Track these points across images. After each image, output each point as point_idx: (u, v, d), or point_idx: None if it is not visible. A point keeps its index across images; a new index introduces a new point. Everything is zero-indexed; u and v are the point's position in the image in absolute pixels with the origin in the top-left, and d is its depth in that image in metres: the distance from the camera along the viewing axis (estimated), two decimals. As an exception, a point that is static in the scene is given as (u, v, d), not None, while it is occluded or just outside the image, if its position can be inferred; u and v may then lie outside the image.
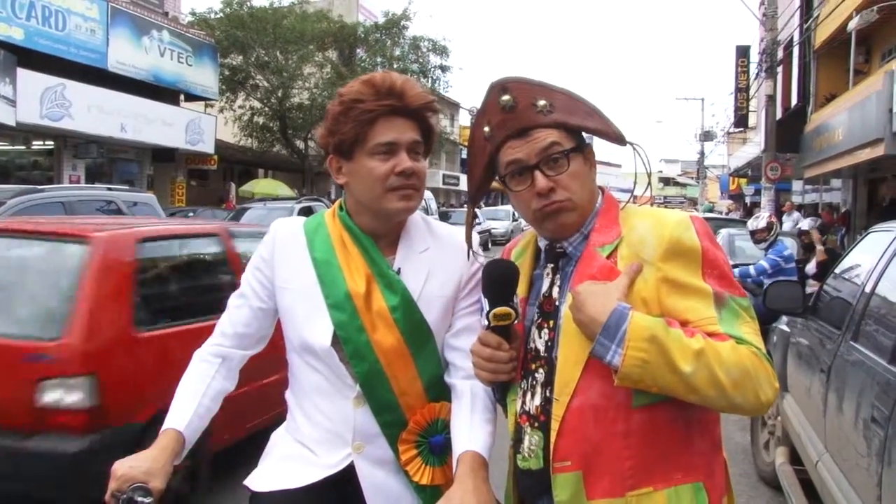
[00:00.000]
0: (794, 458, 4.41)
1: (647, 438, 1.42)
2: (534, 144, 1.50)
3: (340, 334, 1.70)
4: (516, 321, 1.54)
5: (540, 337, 1.56)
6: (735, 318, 1.39)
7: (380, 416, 1.71)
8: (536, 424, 1.53)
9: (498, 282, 1.55)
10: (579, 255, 1.52)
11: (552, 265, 1.59)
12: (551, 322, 1.53)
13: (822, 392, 3.68)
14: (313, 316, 1.73)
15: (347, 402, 1.72)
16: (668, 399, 1.39)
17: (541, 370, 1.53)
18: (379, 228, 1.78)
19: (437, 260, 1.77)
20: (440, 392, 1.75)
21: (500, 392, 1.66)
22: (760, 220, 8.50)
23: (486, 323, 1.54)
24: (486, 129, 1.55)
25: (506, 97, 1.51)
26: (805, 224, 10.50)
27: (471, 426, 1.63)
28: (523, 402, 1.56)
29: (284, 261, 1.80)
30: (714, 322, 1.38)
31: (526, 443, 1.56)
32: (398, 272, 1.76)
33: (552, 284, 1.58)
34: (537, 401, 1.53)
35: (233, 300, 1.87)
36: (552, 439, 1.49)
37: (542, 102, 1.49)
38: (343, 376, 1.72)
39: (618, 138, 1.53)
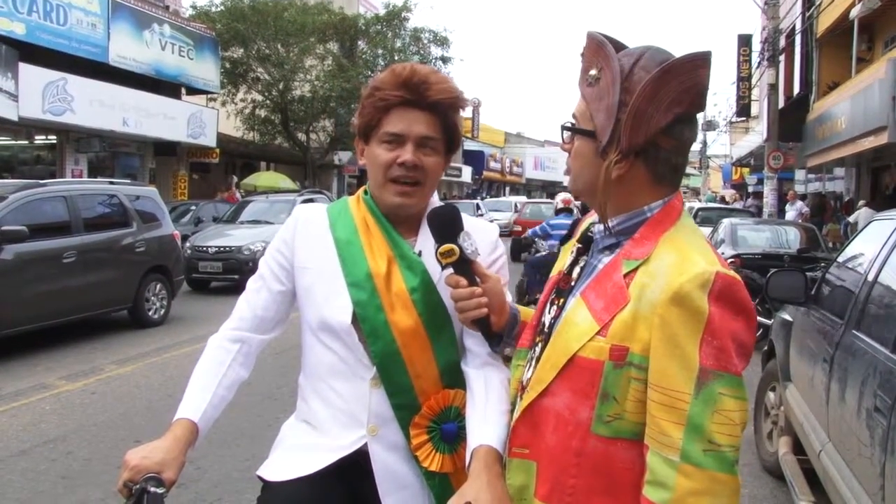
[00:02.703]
0: (797, 448, 4.41)
1: (596, 465, 1.35)
2: (575, 107, 1.49)
3: (359, 312, 1.70)
4: (463, 257, 1.59)
5: (549, 312, 1.53)
6: (709, 406, 1.23)
7: (393, 398, 1.71)
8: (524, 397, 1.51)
9: (436, 222, 1.64)
10: (602, 247, 1.47)
11: (580, 245, 1.56)
12: (562, 301, 1.50)
13: (824, 381, 3.66)
14: (333, 295, 1.74)
15: (364, 384, 1.72)
16: (630, 438, 1.34)
17: (540, 345, 1.51)
18: (397, 213, 1.80)
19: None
20: (455, 379, 1.75)
21: (493, 338, 1.67)
22: (557, 201, 11.33)
23: (440, 264, 1.61)
24: None
25: (581, 50, 1.47)
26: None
27: (485, 419, 1.61)
28: (525, 371, 1.55)
29: (306, 241, 1.81)
30: (686, 400, 1.24)
31: (515, 412, 1.53)
32: (419, 255, 1.77)
33: (574, 263, 1.54)
34: (529, 374, 1.51)
35: (251, 283, 1.86)
36: (511, 423, 1.48)
37: (592, 72, 1.42)
38: (361, 356, 1.72)
39: (600, 149, 1.40)
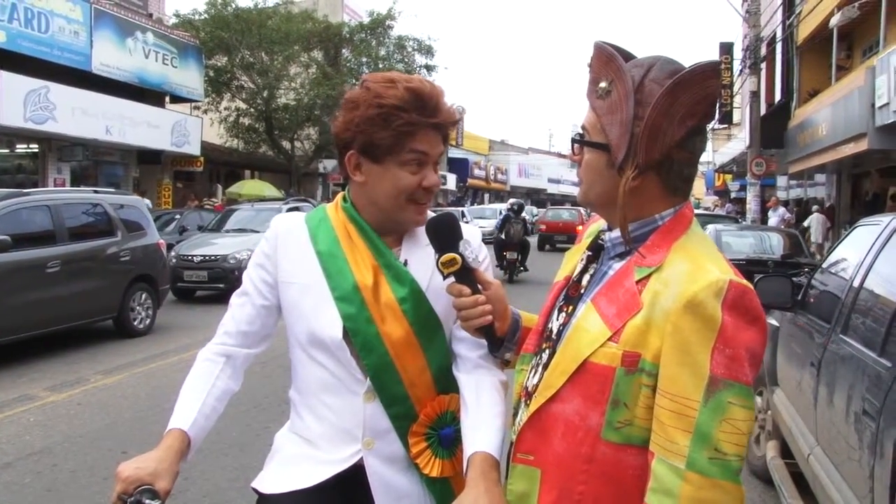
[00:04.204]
0: (785, 452, 4.43)
1: (606, 472, 1.35)
2: (584, 118, 1.46)
3: (349, 326, 1.68)
4: (465, 265, 1.58)
5: (557, 319, 1.52)
6: (717, 414, 1.23)
7: (390, 409, 1.70)
8: (528, 403, 1.49)
9: (437, 231, 1.62)
10: (613, 255, 1.46)
11: (590, 253, 1.55)
12: (571, 308, 1.49)
13: (812, 385, 3.69)
14: (321, 309, 1.71)
15: (357, 398, 1.70)
16: (641, 445, 1.33)
17: (547, 352, 1.50)
18: (385, 226, 1.78)
19: None
20: (449, 384, 1.74)
21: (497, 344, 1.66)
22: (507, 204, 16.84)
23: (441, 273, 1.60)
24: None
25: (589, 61, 1.44)
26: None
27: (477, 424, 1.61)
28: (528, 377, 1.54)
29: (287, 255, 1.78)
30: (695, 407, 1.24)
31: (518, 417, 1.53)
32: (405, 264, 1.75)
33: (584, 271, 1.53)
34: (535, 380, 1.49)
35: (235, 298, 1.84)
36: (517, 429, 1.47)
37: (602, 84, 1.39)
38: (353, 370, 1.70)
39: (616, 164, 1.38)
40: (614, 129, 1.37)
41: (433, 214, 1.74)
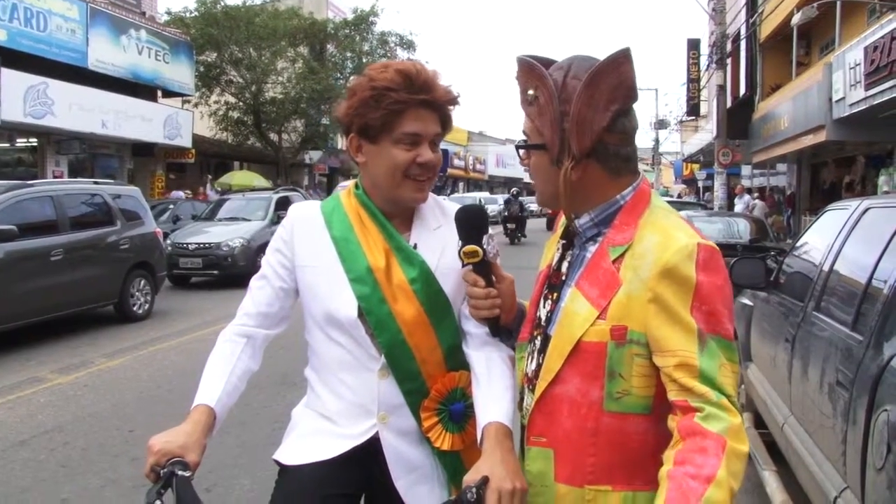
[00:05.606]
0: (758, 423, 4.51)
1: (613, 441, 1.39)
2: (523, 125, 1.52)
3: (363, 306, 1.70)
4: (485, 259, 1.58)
5: (544, 307, 1.55)
6: (713, 359, 1.29)
7: (403, 385, 1.71)
8: (531, 388, 1.53)
9: (466, 221, 1.62)
10: (587, 238, 1.49)
11: (564, 241, 1.58)
12: (555, 295, 1.52)
13: (786, 360, 3.74)
14: (337, 290, 1.72)
15: (372, 375, 1.72)
16: (641, 413, 1.37)
17: (539, 338, 1.53)
18: (393, 208, 1.79)
19: (450, 236, 1.74)
20: (459, 361, 1.75)
21: (501, 334, 1.68)
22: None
23: (461, 261, 1.60)
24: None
25: (515, 74, 1.49)
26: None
27: (490, 397, 1.63)
28: (527, 364, 1.57)
29: (304, 241, 1.79)
30: (693, 356, 1.28)
31: (525, 402, 1.57)
32: (415, 247, 1.77)
33: (562, 259, 1.56)
34: (533, 366, 1.53)
35: (254, 282, 1.85)
36: (527, 415, 1.51)
37: (530, 92, 1.45)
38: (368, 348, 1.72)
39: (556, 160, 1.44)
40: (546, 129, 1.43)
41: (469, 203, 1.73)
